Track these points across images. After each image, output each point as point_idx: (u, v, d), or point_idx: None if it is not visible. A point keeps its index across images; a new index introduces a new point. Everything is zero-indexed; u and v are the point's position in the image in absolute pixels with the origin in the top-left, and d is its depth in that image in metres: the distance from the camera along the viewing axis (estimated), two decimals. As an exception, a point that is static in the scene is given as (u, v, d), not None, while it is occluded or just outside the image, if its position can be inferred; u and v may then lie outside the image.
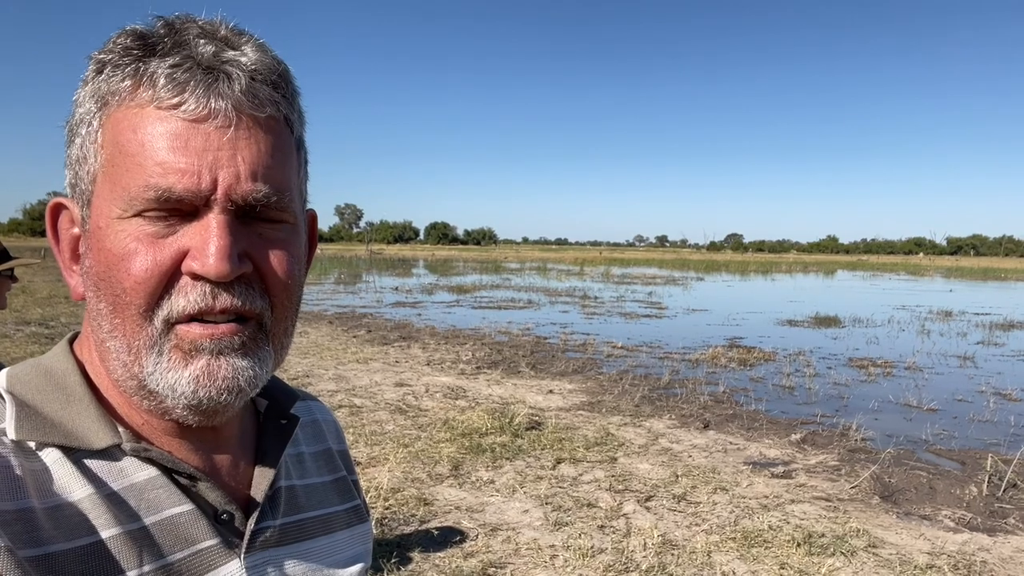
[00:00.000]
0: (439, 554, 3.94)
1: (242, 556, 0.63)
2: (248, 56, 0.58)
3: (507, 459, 5.60)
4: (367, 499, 4.53)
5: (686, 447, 6.22)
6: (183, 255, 0.56)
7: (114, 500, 0.57)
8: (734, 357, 11.12)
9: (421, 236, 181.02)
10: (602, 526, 4.42)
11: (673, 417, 7.27)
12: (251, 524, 0.64)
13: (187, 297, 0.56)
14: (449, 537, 4.16)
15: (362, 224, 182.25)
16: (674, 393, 8.44)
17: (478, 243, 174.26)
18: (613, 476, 5.32)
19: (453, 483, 5.05)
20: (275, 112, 0.59)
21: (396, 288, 25.34)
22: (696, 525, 4.50)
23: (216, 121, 0.56)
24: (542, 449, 5.89)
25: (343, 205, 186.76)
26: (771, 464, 5.82)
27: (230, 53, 0.57)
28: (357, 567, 0.75)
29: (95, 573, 0.54)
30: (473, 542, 4.11)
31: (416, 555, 3.89)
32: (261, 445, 0.71)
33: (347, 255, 68.14)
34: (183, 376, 0.57)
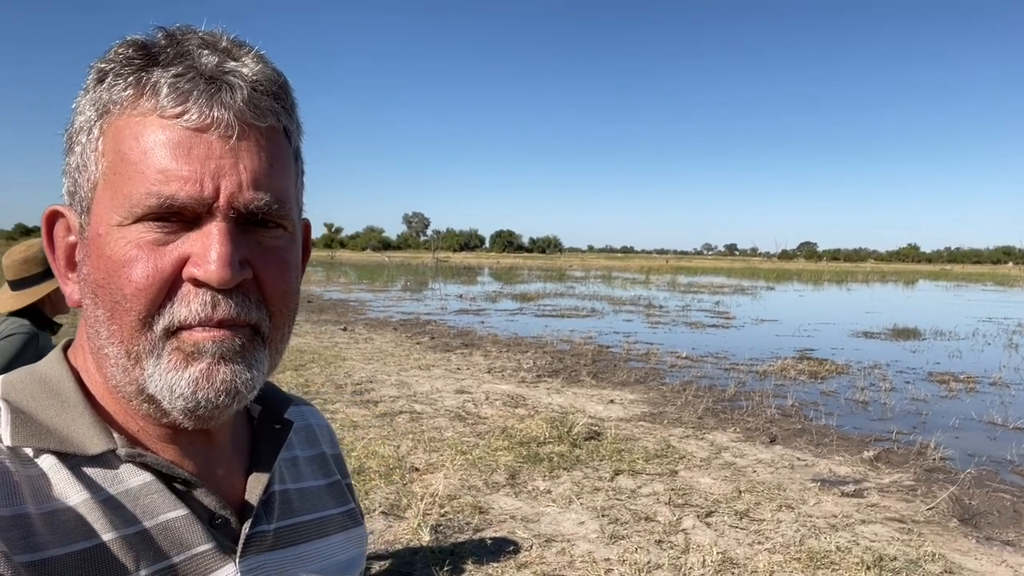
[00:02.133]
0: (493, 564, 3.92)
1: (237, 560, 0.63)
2: (249, 67, 0.59)
3: (564, 469, 5.55)
4: (423, 506, 4.56)
5: (750, 462, 6.03)
6: (184, 262, 0.57)
7: (110, 505, 0.57)
8: (804, 369, 10.74)
9: (487, 244, 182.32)
10: (659, 541, 4.32)
11: (738, 430, 7.07)
12: (246, 528, 0.65)
13: (189, 307, 0.57)
14: (503, 547, 4.14)
15: (429, 232, 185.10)
16: (739, 405, 8.20)
17: (543, 251, 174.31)
18: (673, 490, 5.20)
19: (509, 492, 5.03)
20: (275, 123, 0.60)
21: (460, 295, 25.61)
22: (759, 543, 4.35)
23: (218, 130, 0.57)
24: (600, 460, 5.82)
25: (411, 214, 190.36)
26: (841, 482, 5.58)
27: (232, 64, 0.58)
28: (352, 571, 0.76)
29: None
30: (527, 553, 4.08)
31: (469, 564, 3.89)
32: (255, 450, 0.72)
33: (414, 263, 69.35)
34: (183, 378, 0.58)
